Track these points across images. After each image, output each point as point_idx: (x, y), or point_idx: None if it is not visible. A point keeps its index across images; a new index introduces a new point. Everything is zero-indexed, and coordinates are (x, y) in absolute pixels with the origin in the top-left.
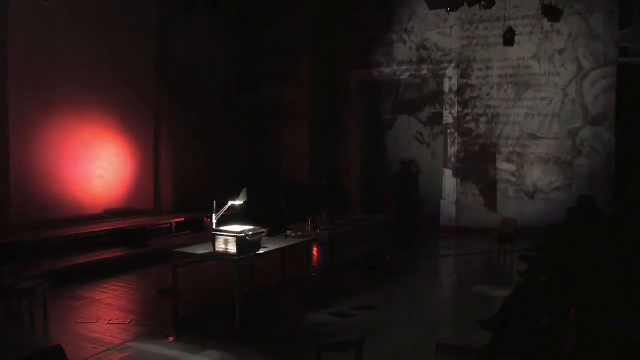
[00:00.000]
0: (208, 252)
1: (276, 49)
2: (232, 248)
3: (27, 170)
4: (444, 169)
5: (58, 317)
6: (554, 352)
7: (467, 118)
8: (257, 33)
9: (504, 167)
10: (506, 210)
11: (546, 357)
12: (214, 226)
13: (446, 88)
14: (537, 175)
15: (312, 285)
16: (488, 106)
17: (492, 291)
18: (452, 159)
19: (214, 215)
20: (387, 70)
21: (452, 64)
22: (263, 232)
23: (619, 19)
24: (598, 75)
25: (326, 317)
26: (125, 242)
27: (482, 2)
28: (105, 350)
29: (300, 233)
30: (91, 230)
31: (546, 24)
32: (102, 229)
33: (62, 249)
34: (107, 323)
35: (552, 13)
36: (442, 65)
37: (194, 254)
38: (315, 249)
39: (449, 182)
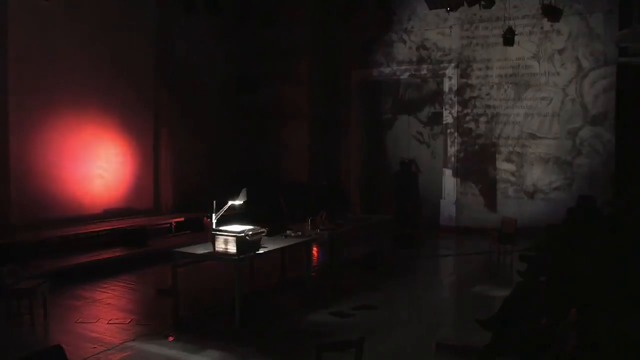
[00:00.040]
0: (208, 252)
1: (276, 49)
2: (232, 248)
3: (28, 170)
4: (444, 169)
5: (58, 317)
6: (554, 352)
7: (467, 118)
8: (257, 33)
9: (504, 167)
10: (506, 210)
11: (546, 357)
12: (214, 226)
13: (446, 88)
14: (537, 175)
15: (312, 285)
16: (488, 106)
17: (492, 291)
18: (452, 159)
19: (214, 215)
20: (387, 70)
21: (452, 64)
22: (263, 232)
23: (619, 19)
24: (598, 75)
25: (326, 317)
26: (125, 242)
27: (482, 2)
28: (105, 350)
29: (300, 233)
30: (91, 230)
31: (546, 24)
32: (102, 229)
33: (62, 249)
34: (107, 323)
35: (552, 13)
36: (442, 65)
37: (194, 254)
38: (315, 249)
39: (449, 182)
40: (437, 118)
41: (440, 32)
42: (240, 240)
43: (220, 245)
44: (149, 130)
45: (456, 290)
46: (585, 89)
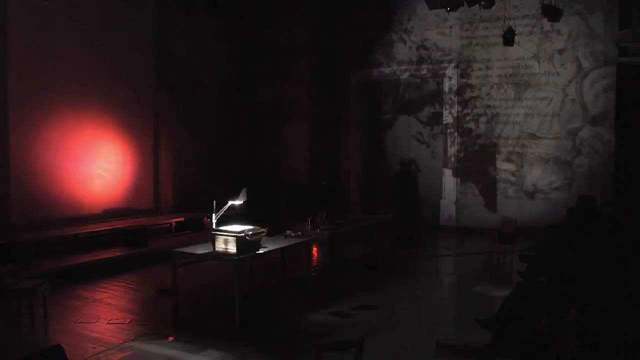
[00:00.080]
0: (208, 252)
1: (276, 49)
2: (232, 248)
3: (28, 170)
4: (444, 169)
5: (58, 317)
6: (554, 352)
7: (467, 118)
8: (257, 33)
9: (504, 167)
10: (506, 210)
11: (546, 357)
12: (214, 226)
13: (446, 88)
14: (537, 175)
15: (312, 285)
16: (488, 106)
17: (492, 291)
18: (452, 159)
19: (214, 215)
20: (387, 70)
21: (452, 64)
22: (263, 232)
23: (619, 19)
24: (598, 75)
25: (326, 317)
26: (125, 242)
27: (482, 2)
28: (105, 350)
29: (300, 233)
30: (91, 230)
31: (546, 24)
32: (102, 229)
33: (62, 249)
34: (107, 323)
35: (552, 13)
36: (442, 65)
37: (194, 254)
38: (315, 249)
39: (449, 182)
40: (437, 118)
41: (440, 32)
42: (240, 240)
43: (220, 245)
44: (149, 130)
45: (456, 290)
46: (585, 89)
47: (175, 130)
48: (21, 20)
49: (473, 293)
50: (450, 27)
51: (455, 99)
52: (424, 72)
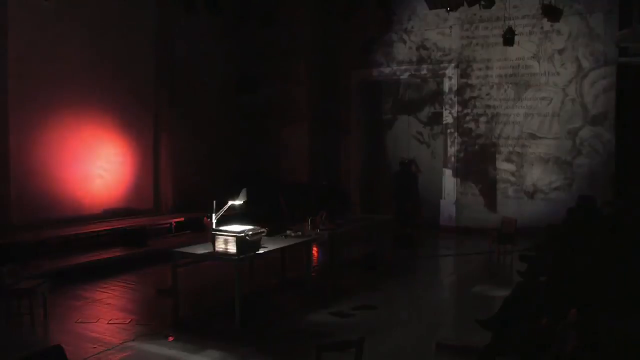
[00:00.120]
0: (208, 252)
1: (276, 49)
2: (232, 248)
3: (28, 170)
4: (444, 169)
5: (58, 317)
6: (554, 352)
7: (467, 118)
8: (257, 33)
9: (504, 167)
10: (506, 210)
11: (546, 357)
12: (214, 226)
13: (446, 88)
14: (537, 175)
15: (312, 285)
16: (488, 106)
17: (492, 291)
18: (452, 159)
19: (214, 215)
20: (387, 70)
21: (452, 64)
22: (263, 232)
23: (619, 19)
24: (598, 75)
25: (326, 317)
26: (125, 242)
27: (482, 2)
28: (105, 350)
29: (300, 233)
30: (91, 230)
31: (546, 24)
32: (102, 229)
33: (62, 249)
34: (107, 323)
35: (552, 13)
36: (442, 65)
37: (194, 254)
38: (315, 249)
39: (449, 182)
40: (437, 118)
41: (440, 32)
42: (240, 240)
43: (220, 245)
44: (149, 130)
45: (456, 290)
46: (585, 89)
47: (175, 130)
48: (21, 20)
49: (473, 293)
50: (450, 27)
51: (455, 99)
52: (424, 72)
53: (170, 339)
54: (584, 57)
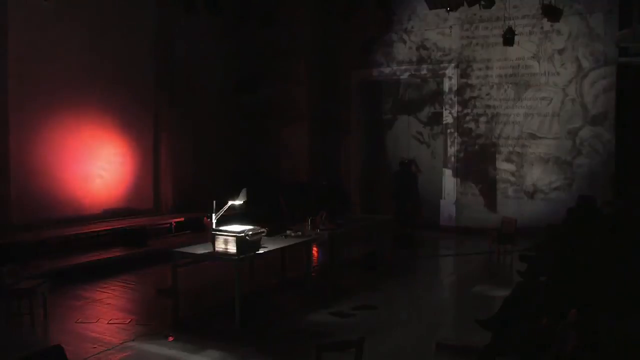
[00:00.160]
0: (208, 252)
1: (276, 49)
2: (232, 248)
3: (28, 170)
4: (444, 169)
5: (58, 317)
6: (554, 352)
7: (467, 118)
8: (257, 33)
9: (504, 167)
10: (506, 210)
11: (546, 357)
12: (214, 226)
13: (446, 88)
14: (537, 175)
15: (312, 285)
16: (488, 106)
17: (492, 291)
18: (452, 159)
19: (214, 215)
20: (387, 70)
21: (452, 64)
22: (263, 232)
23: (619, 19)
24: (598, 75)
25: (326, 317)
26: (125, 242)
27: (482, 2)
28: (105, 350)
29: (300, 233)
30: (91, 230)
31: (546, 24)
32: (102, 229)
33: (62, 249)
34: (107, 323)
35: (552, 13)
36: (442, 65)
37: (194, 254)
38: (315, 249)
39: (449, 182)
40: (437, 118)
41: (440, 32)
42: (240, 240)
43: (220, 245)
44: (148, 130)
45: (456, 290)
46: (585, 89)
47: (175, 130)
48: (21, 20)
49: (473, 293)
50: (450, 27)
51: (455, 99)
52: (424, 72)
53: (170, 339)
54: (584, 57)
